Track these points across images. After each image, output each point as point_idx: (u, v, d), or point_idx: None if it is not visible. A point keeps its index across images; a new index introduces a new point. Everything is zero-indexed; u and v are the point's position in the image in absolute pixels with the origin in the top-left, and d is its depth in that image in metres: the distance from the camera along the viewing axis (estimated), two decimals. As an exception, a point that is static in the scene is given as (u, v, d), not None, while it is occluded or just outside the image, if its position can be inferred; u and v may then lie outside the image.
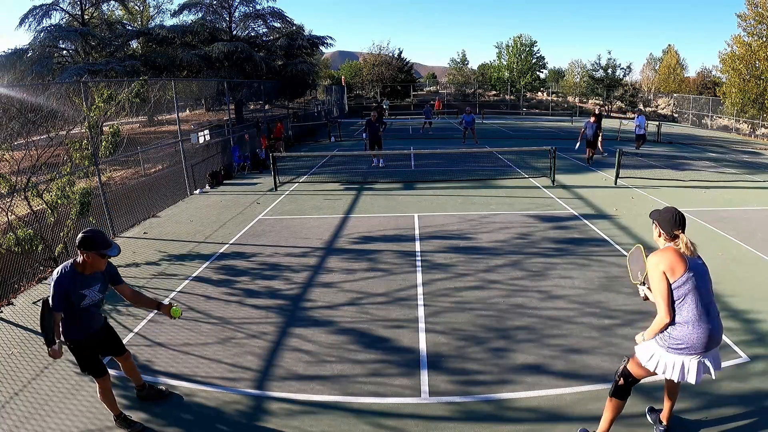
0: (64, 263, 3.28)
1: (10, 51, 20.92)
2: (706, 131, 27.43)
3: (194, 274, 6.29)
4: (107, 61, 20.91)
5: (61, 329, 3.26)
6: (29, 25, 21.43)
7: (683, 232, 2.95)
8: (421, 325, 4.83)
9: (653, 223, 3.08)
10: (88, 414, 3.63)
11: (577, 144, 14.35)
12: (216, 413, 3.62)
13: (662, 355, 2.92)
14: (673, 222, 2.95)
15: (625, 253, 6.72)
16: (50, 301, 3.14)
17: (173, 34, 23.20)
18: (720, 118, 29.51)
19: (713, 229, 7.75)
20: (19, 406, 3.74)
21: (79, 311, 3.24)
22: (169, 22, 27.88)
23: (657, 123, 21.05)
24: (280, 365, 4.22)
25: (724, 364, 3.98)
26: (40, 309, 3.19)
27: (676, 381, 2.91)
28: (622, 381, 3.09)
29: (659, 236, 3.04)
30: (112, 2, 25.86)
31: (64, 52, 22.57)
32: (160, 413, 3.63)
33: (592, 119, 13.80)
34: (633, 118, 17.89)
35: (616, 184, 11.20)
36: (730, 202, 9.53)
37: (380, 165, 14.09)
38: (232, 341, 4.63)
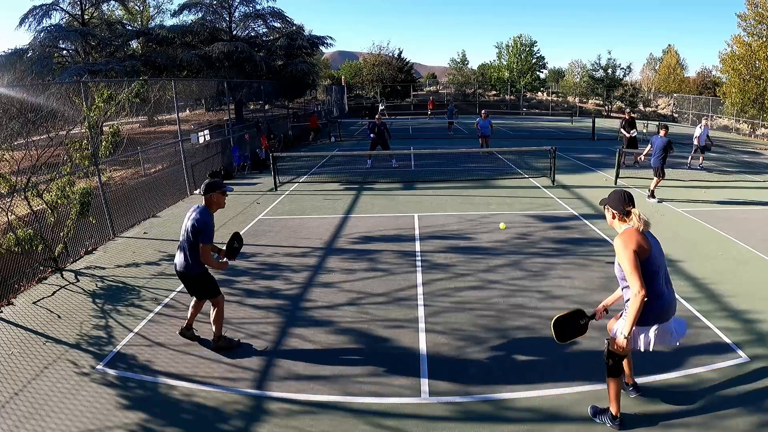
0: (198, 209, 4.19)
1: (10, 51, 20.92)
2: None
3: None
4: (107, 61, 20.90)
5: (190, 262, 4.25)
6: (29, 25, 21.42)
7: (633, 207, 3.17)
8: (421, 325, 4.83)
9: (605, 208, 3.30)
10: (88, 414, 3.63)
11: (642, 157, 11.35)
12: (216, 413, 3.62)
13: (639, 330, 3.14)
14: (623, 200, 3.18)
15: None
16: (204, 239, 4.11)
17: (173, 34, 23.19)
18: (720, 118, 29.51)
19: (713, 229, 7.75)
20: (19, 406, 3.74)
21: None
22: (169, 22, 27.89)
23: (657, 123, 21.04)
24: (280, 365, 4.22)
25: (723, 364, 4.03)
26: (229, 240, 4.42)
27: (651, 350, 3.18)
28: (611, 362, 3.29)
29: (613, 218, 3.25)
30: (112, 2, 25.83)
31: (64, 52, 22.56)
32: (159, 413, 3.63)
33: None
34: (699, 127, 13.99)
35: (616, 184, 11.20)
36: (730, 202, 9.53)
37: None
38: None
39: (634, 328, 3.04)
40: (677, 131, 24.72)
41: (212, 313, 4.47)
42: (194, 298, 4.58)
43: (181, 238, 4.31)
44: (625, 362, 3.52)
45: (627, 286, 3.04)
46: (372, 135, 14.00)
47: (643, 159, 10.25)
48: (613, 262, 3.28)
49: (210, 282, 4.42)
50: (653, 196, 9.67)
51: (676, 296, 3.31)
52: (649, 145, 9.94)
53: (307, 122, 22.73)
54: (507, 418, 3.53)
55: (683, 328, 3.30)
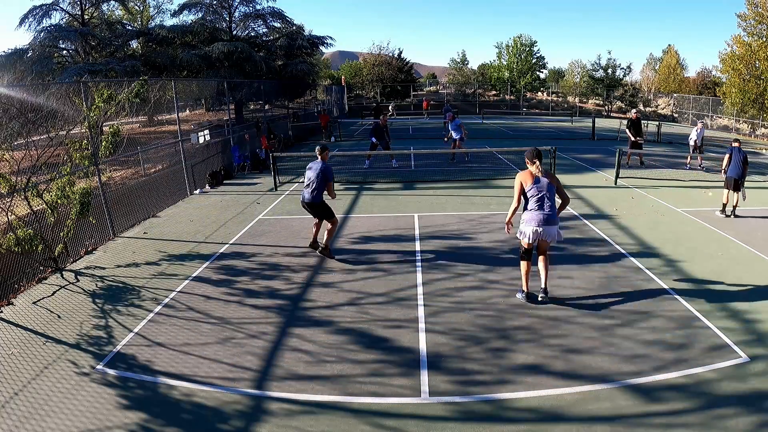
0: (321, 162, 6.62)
1: (10, 51, 20.94)
2: (706, 131, 27.38)
3: (194, 274, 6.29)
4: (107, 61, 20.93)
5: (316, 195, 6.54)
6: (29, 25, 21.44)
7: (539, 162, 5.08)
8: (421, 325, 4.84)
9: (525, 158, 5.21)
10: (88, 414, 3.63)
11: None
12: (216, 413, 3.62)
13: (523, 230, 5.14)
14: (531, 156, 5.14)
15: (625, 252, 6.73)
16: (331, 178, 6.60)
17: (173, 34, 23.22)
18: (720, 118, 29.52)
19: (713, 229, 7.75)
20: (19, 406, 3.74)
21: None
22: (169, 22, 27.88)
23: (657, 123, 21.05)
24: (280, 365, 4.22)
25: (723, 364, 4.07)
26: None
27: (532, 241, 5.08)
28: (521, 252, 5.28)
29: (527, 163, 5.17)
30: (112, 2, 25.86)
31: (64, 52, 22.58)
32: (159, 413, 3.63)
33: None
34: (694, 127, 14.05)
35: (616, 184, 11.20)
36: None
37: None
38: (231, 341, 4.63)
39: (521, 230, 5.16)
40: (677, 131, 24.74)
41: (328, 228, 6.68)
42: (315, 220, 6.85)
43: (308, 181, 6.55)
44: (541, 267, 5.22)
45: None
46: (374, 139, 13.73)
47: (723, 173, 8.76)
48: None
49: (329, 207, 6.66)
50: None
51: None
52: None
53: (319, 120, 22.97)
54: (507, 418, 3.53)
55: (557, 234, 5.12)
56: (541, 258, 5.23)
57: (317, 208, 6.58)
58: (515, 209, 5.20)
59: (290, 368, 4.18)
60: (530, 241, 5.07)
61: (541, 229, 4.98)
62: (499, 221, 8.30)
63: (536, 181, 5.05)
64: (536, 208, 5.04)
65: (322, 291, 5.71)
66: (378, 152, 13.74)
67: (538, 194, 5.03)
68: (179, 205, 10.25)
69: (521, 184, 5.08)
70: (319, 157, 6.65)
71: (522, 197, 5.12)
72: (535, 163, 5.08)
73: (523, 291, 5.27)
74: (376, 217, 8.70)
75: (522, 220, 5.16)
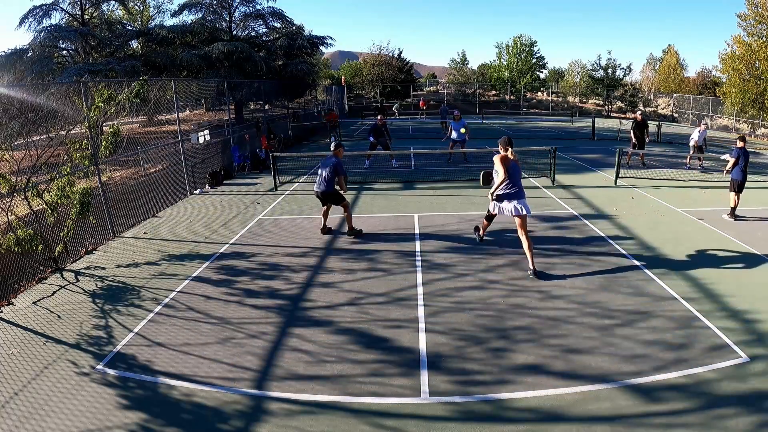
0: (334, 158, 7.42)
1: (10, 51, 20.93)
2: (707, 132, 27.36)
3: (194, 274, 6.29)
4: (107, 61, 20.92)
5: (328, 185, 7.36)
6: (29, 25, 21.44)
7: (511, 148, 6.17)
8: (421, 325, 4.84)
9: (499, 144, 6.27)
10: (88, 414, 3.63)
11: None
12: (216, 413, 3.62)
13: (495, 204, 6.22)
14: (505, 143, 6.19)
15: (625, 252, 6.73)
16: (342, 171, 7.40)
17: (173, 34, 23.21)
18: (720, 118, 29.52)
19: (713, 229, 7.75)
20: (19, 406, 3.74)
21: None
22: (169, 22, 27.89)
23: (657, 123, 21.05)
24: (280, 365, 4.23)
25: (723, 364, 4.08)
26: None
27: (508, 214, 6.08)
28: (486, 215, 6.78)
29: (500, 149, 6.21)
30: (112, 2, 25.86)
31: (64, 52, 22.57)
32: (160, 413, 3.63)
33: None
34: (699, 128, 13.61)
35: (616, 184, 11.20)
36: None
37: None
38: (231, 341, 4.63)
39: (494, 202, 6.21)
40: (677, 131, 24.74)
41: (345, 214, 7.60)
42: (324, 207, 7.65)
43: (322, 174, 7.38)
44: (525, 248, 6.05)
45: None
46: (372, 138, 13.70)
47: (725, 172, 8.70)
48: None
49: (339, 193, 7.52)
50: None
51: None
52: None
53: (323, 120, 23.21)
54: (507, 418, 3.53)
55: (526, 208, 6.02)
56: (524, 239, 6.01)
57: (329, 196, 7.44)
58: (501, 183, 6.06)
59: (290, 368, 4.18)
60: (505, 214, 6.15)
61: (520, 204, 5.97)
62: (499, 221, 8.29)
63: (512, 164, 6.06)
64: (512, 186, 6.04)
65: (322, 291, 5.71)
66: (378, 152, 13.72)
67: (513, 175, 6.04)
68: (179, 205, 10.25)
69: (503, 164, 6.01)
70: (333, 153, 7.52)
71: (505, 175, 6.04)
72: (509, 149, 6.11)
73: (480, 236, 7.21)
74: (376, 217, 8.70)
75: (499, 197, 6.13)
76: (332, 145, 7.66)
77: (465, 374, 4.04)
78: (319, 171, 7.52)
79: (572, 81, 48.12)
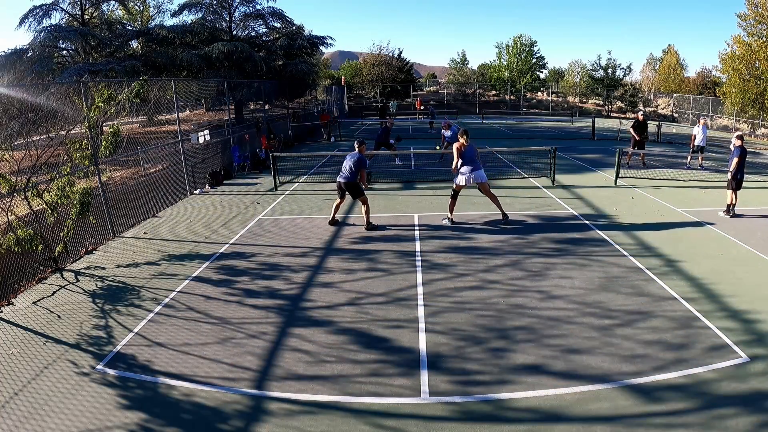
0: (357, 153, 7.99)
1: (10, 51, 20.92)
2: (707, 131, 27.35)
3: (194, 274, 6.29)
4: (107, 61, 20.91)
5: (351, 177, 7.89)
6: (29, 25, 21.43)
7: (467, 137, 7.89)
8: (421, 325, 4.84)
9: (459, 134, 7.95)
10: (88, 414, 3.63)
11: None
12: (216, 413, 3.62)
13: (458, 178, 8.00)
14: (463, 132, 7.94)
15: (625, 253, 6.73)
16: (364, 166, 8.02)
17: (173, 34, 23.19)
18: (720, 118, 29.52)
19: (713, 229, 7.75)
20: (19, 406, 3.74)
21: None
22: (169, 22, 27.88)
23: (657, 123, 21.05)
24: (280, 365, 4.23)
25: (723, 364, 4.11)
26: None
27: (465, 184, 7.98)
28: (453, 192, 8.22)
29: (459, 137, 7.90)
30: (112, 2, 25.86)
31: (64, 52, 22.57)
32: (159, 413, 3.63)
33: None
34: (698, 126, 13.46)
35: (616, 184, 11.20)
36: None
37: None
38: (231, 341, 4.63)
39: (459, 178, 7.99)
40: (678, 131, 24.73)
41: (363, 208, 8.00)
42: (337, 200, 8.24)
43: (346, 166, 7.91)
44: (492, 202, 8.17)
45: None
46: (392, 141, 13.63)
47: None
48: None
49: (360, 187, 8.02)
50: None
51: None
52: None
53: (320, 120, 23.39)
54: (507, 418, 3.53)
55: (481, 178, 7.98)
56: (489, 197, 8.21)
57: (352, 187, 7.94)
58: (456, 163, 7.89)
59: (290, 368, 4.18)
60: (465, 185, 8.00)
61: (472, 175, 7.91)
62: (502, 227, 8.31)
63: (468, 148, 7.89)
64: (468, 163, 7.92)
65: (322, 291, 5.71)
66: (380, 152, 13.76)
67: (469, 155, 7.90)
68: (179, 205, 10.25)
69: (460, 150, 7.82)
70: (357, 149, 8.12)
71: (459, 158, 7.84)
72: (464, 137, 7.86)
73: (449, 218, 8.26)
74: (376, 217, 8.69)
75: (460, 172, 7.97)
76: (356, 142, 8.23)
77: (465, 374, 4.04)
78: (344, 163, 8.00)
79: (572, 81, 48.10)
